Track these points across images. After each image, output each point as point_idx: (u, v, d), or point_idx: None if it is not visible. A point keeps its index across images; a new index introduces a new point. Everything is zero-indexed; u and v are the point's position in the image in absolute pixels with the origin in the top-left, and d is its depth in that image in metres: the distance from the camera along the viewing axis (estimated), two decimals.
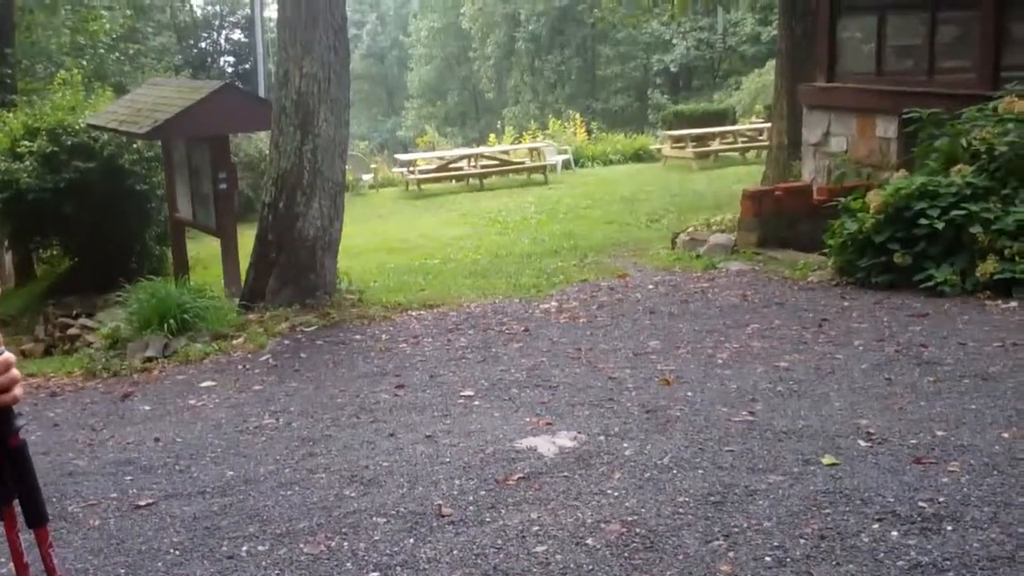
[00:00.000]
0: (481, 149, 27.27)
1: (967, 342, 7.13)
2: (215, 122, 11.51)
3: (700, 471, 4.95)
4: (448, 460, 5.42)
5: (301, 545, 4.41)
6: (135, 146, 14.49)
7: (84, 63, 22.17)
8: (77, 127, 14.16)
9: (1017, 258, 8.34)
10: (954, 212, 8.71)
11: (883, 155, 11.80)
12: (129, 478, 5.60)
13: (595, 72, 47.50)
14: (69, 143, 13.95)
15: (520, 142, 29.05)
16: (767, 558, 3.95)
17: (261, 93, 22.56)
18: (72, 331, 10.53)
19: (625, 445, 5.42)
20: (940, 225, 8.69)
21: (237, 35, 40.48)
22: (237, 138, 19.19)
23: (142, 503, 5.14)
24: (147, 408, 7.25)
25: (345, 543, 4.40)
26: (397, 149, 32.41)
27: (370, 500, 4.90)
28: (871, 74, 12.46)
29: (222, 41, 41.68)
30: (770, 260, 11.00)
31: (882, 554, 3.92)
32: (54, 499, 5.20)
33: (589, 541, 4.20)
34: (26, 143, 13.99)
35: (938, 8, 11.63)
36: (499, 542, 4.27)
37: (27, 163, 13.73)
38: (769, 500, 4.51)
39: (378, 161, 28.05)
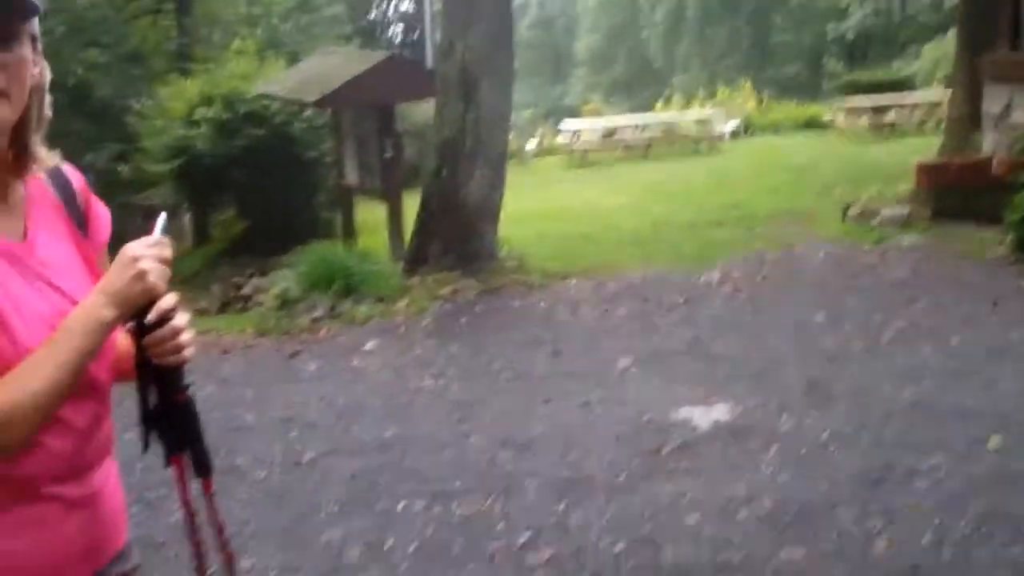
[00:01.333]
0: (647, 117, 27.01)
1: None
2: (381, 91, 11.69)
3: (859, 449, 4.84)
4: (602, 428, 5.43)
5: (455, 505, 4.50)
6: (305, 114, 14.85)
7: (258, 33, 22.82)
8: (250, 95, 14.60)
9: None
10: None
11: None
12: (294, 434, 5.80)
13: (767, 40, 46.46)
14: (242, 111, 14.40)
15: (688, 110, 28.67)
16: (925, 538, 3.84)
17: (428, 63, 22.86)
18: (245, 291, 10.94)
19: (783, 420, 5.34)
20: None
21: (406, 5, 41.06)
22: (404, 106, 19.52)
23: (305, 459, 5.32)
24: (313, 367, 7.48)
25: (498, 505, 4.46)
26: (563, 117, 32.41)
27: (523, 464, 4.96)
28: None
29: (391, 11, 42.36)
30: (944, 235, 10.59)
31: None
32: (222, 453, 5.42)
33: (741, 514, 4.17)
34: (201, 110, 14.50)
35: None
36: (650, 511, 4.27)
37: (202, 129, 14.23)
38: (930, 481, 4.38)
39: (543, 129, 28.11)
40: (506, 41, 10.34)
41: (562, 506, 4.39)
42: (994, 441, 4.82)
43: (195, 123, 14.51)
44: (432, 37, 25.20)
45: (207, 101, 14.80)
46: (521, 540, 4.06)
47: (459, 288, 9.42)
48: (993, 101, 12.68)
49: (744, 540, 3.93)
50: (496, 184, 10.41)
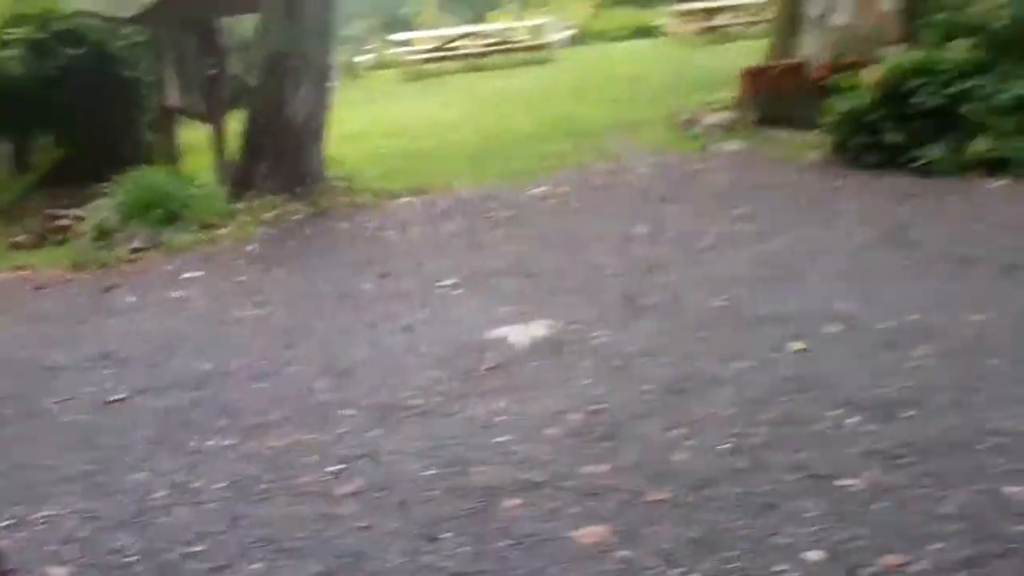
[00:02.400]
0: (481, 27, 26.79)
1: (952, 223, 7.08)
2: (203, 6, 11.29)
3: (669, 359, 4.95)
4: (423, 351, 5.43)
5: (268, 438, 4.45)
6: (125, 32, 14.24)
7: None
8: (65, 13, 13.90)
9: (1010, 135, 8.21)
10: (950, 89, 8.54)
11: (885, 30, 11.52)
12: (106, 371, 5.64)
13: None
14: (57, 29, 13.72)
15: (522, 19, 28.51)
16: (724, 446, 3.96)
17: None
18: (63, 222, 10.53)
19: (598, 333, 5.42)
20: (935, 102, 8.55)
21: None
22: (230, 22, 18.87)
23: (116, 398, 5.18)
24: (131, 300, 7.28)
25: (312, 436, 4.43)
26: (399, 28, 31.87)
27: (341, 392, 4.93)
28: None
29: None
30: (766, 140, 10.85)
31: (839, 441, 3.93)
32: (29, 396, 5.25)
33: (551, 430, 4.23)
34: (13, 30, 13.75)
35: None
36: (463, 433, 4.30)
37: (14, 51, 13.51)
38: (733, 387, 4.52)
39: (377, 42, 27.61)
40: None
41: (377, 432, 4.39)
42: (797, 345, 5.00)
43: (5, 43, 13.75)
44: None
45: (18, 20, 14.03)
46: (332, 470, 4.04)
47: (286, 211, 9.26)
48: (813, 4, 12.94)
49: (552, 457, 3.99)
50: (323, 101, 10.21)
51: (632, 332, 5.40)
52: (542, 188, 9.70)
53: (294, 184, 9.82)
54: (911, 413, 4.13)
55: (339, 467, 4.10)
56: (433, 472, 3.97)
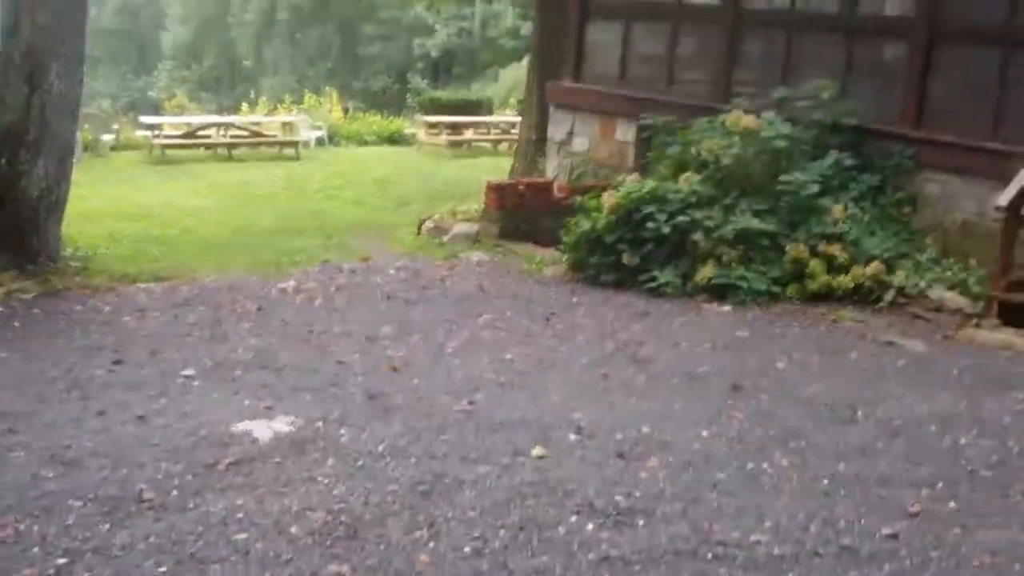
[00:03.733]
0: (232, 118, 26.50)
1: (681, 342, 7.51)
2: None
3: (413, 459, 5.00)
4: (158, 442, 5.26)
5: None
6: None
7: None
8: None
9: (734, 264, 8.84)
10: (680, 217, 9.12)
11: (622, 157, 12.24)
12: None
13: (357, 50, 47.03)
14: None
15: (274, 114, 28.45)
16: (466, 548, 4.03)
17: None
18: None
19: (343, 431, 5.42)
20: (666, 229, 9.10)
21: None
22: None
23: None
24: None
25: (36, 527, 4.20)
26: (147, 111, 31.09)
27: (68, 482, 4.69)
28: (615, 78, 12.88)
29: None
30: (509, 252, 11.21)
31: (576, 546, 4.08)
32: None
33: (292, 529, 4.18)
34: None
35: (680, 22, 12.17)
36: (200, 528, 4.18)
37: None
38: (476, 490, 4.61)
39: (122, 122, 26.85)
40: (78, 24, 9.75)
41: (107, 526, 4.20)
42: (537, 450, 5.15)
43: None
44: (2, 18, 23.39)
45: None
46: (57, 564, 3.84)
47: (14, 289, 8.77)
48: (557, 127, 13.62)
49: (294, 556, 3.95)
50: (62, 176, 9.79)
51: (377, 431, 5.42)
52: (289, 283, 9.63)
53: (26, 261, 9.33)
54: (642, 521, 4.33)
55: (64, 561, 3.90)
56: (166, 569, 3.84)
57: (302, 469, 4.86)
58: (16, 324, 7.95)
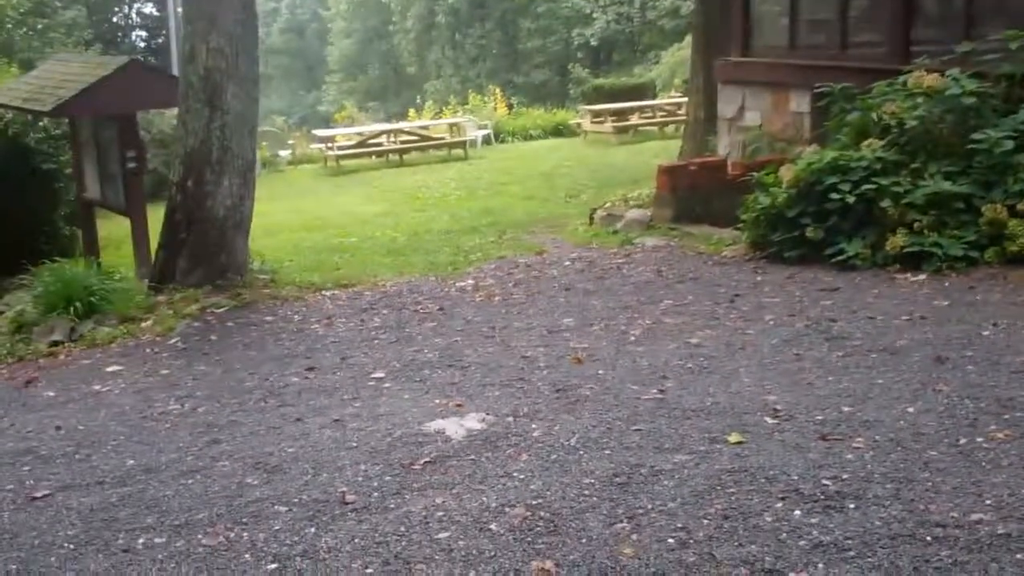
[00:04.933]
0: (400, 124, 27.02)
1: (876, 316, 7.20)
2: (121, 99, 11.18)
3: (607, 451, 4.92)
4: (355, 445, 5.32)
5: (199, 536, 4.30)
6: (41, 124, 14.09)
7: None
8: None
9: (926, 231, 8.43)
10: (865, 186, 8.76)
11: (797, 129, 11.88)
12: (27, 468, 5.42)
13: (516, 46, 47.26)
14: None
15: (441, 117, 28.85)
16: (670, 540, 3.93)
17: (174, 69, 22.09)
18: None
19: (534, 426, 5.37)
20: (851, 199, 8.75)
21: (149, 8, 39.60)
22: (149, 114, 18.77)
23: (38, 494, 4.98)
24: (51, 394, 7.04)
25: (245, 533, 4.29)
26: (318, 124, 31.95)
27: (272, 488, 4.79)
28: (784, 48, 12.51)
29: (134, 15, 40.75)
30: (685, 235, 11.02)
31: (784, 534, 3.92)
32: None
33: (493, 526, 4.15)
34: None
35: None
36: (402, 529, 4.19)
37: None
38: (674, 480, 4.49)
39: (296, 137, 27.68)
40: (250, 45, 10.06)
41: (312, 530, 4.26)
42: (734, 437, 5.00)
43: None
44: (178, 41, 24.36)
45: None
46: (268, 570, 3.91)
47: (208, 304, 9.10)
48: (727, 104, 13.33)
49: (496, 553, 3.91)
50: (245, 194, 10.11)
51: (567, 424, 5.36)
52: (468, 281, 9.70)
53: (216, 277, 9.68)
54: (853, 505, 4.14)
55: (274, 566, 3.97)
56: (373, 570, 3.86)
57: (497, 465, 4.84)
58: (212, 337, 8.23)
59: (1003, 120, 8.95)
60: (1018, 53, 9.42)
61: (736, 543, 3.87)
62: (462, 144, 24.03)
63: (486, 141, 25.56)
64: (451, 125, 25.60)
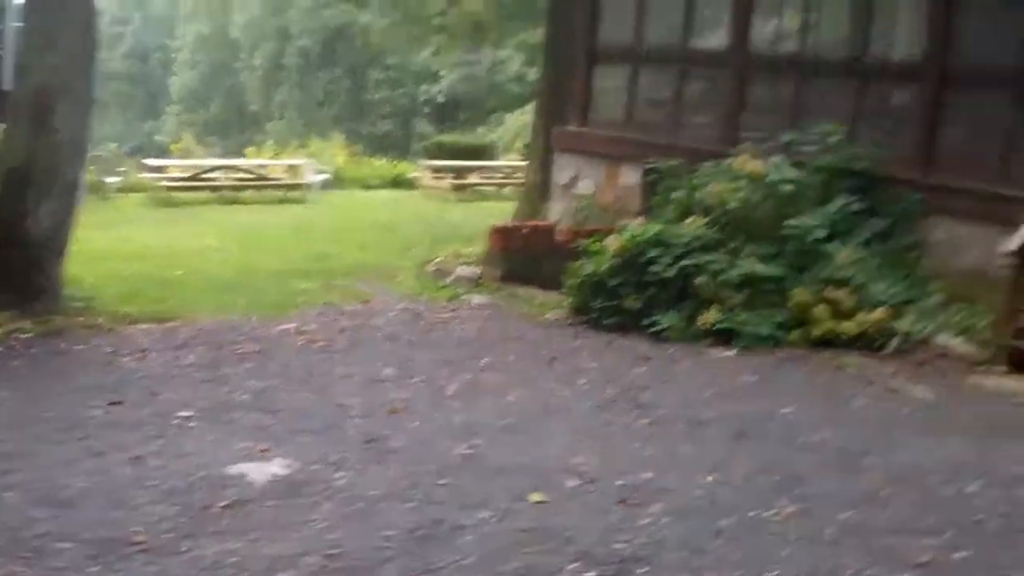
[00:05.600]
0: (238, 161, 26.61)
1: (685, 387, 7.43)
2: None
3: (411, 504, 4.92)
4: (154, 483, 5.18)
5: None
6: None
7: None
8: None
9: (738, 309, 8.77)
10: (684, 261, 9.07)
11: (627, 202, 12.21)
12: None
13: (363, 95, 47.31)
14: None
15: (280, 158, 28.56)
16: None
17: (4, 85, 21.32)
18: None
19: (340, 475, 5.33)
20: (670, 273, 9.04)
21: None
22: None
23: None
24: None
25: (25, 569, 4.11)
26: (153, 153, 31.24)
27: (61, 523, 4.61)
28: (621, 123, 12.90)
29: None
30: (512, 295, 11.16)
31: None
32: None
33: (285, 575, 4.09)
34: None
35: (687, 66, 12.20)
36: (191, 573, 4.10)
37: None
38: (475, 536, 4.52)
39: (129, 164, 26.94)
40: (88, 66, 9.78)
41: (96, 569, 4.12)
42: (536, 497, 5.07)
43: None
44: (15, 56, 23.54)
45: None
46: None
47: (13, 329, 8.73)
48: (562, 171, 13.62)
49: None
50: (66, 218, 9.77)
51: (374, 475, 5.34)
52: (291, 324, 9.58)
53: (28, 300, 9.29)
54: (644, 570, 4.24)
55: None
56: None
57: (297, 513, 4.77)
58: (15, 363, 7.89)
59: (817, 210, 9.44)
60: (836, 146, 9.96)
61: None
62: (300, 187, 23.80)
63: (325, 186, 25.38)
64: (290, 166, 25.34)
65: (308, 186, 24.18)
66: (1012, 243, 8.22)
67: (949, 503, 5.37)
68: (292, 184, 24.10)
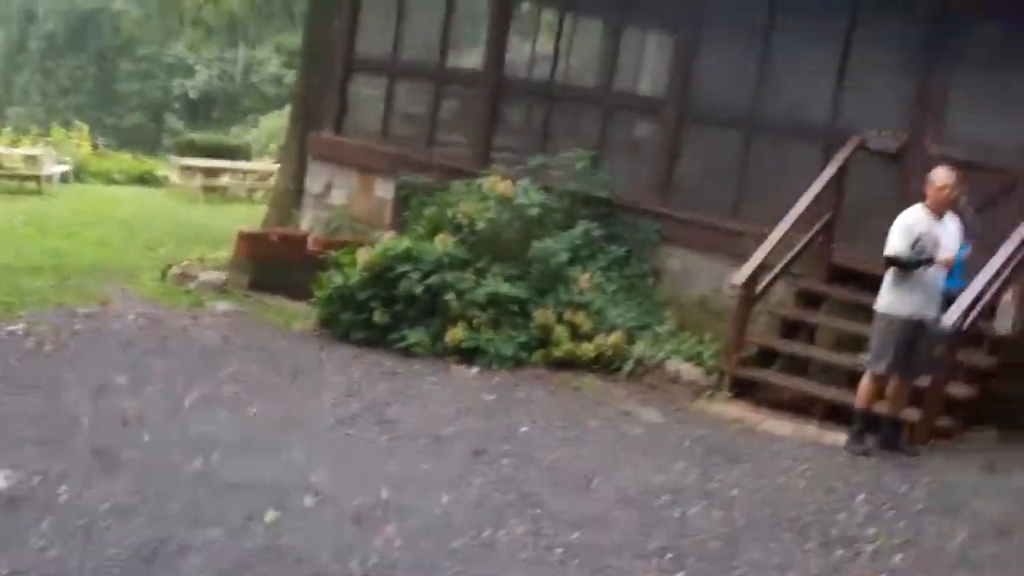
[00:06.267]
0: None
1: (428, 404, 7.51)
2: None
3: (138, 521, 4.76)
4: None
5: None
6: None
7: None
8: None
9: (483, 328, 8.93)
10: (433, 278, 9.15)
11: (379, 215, 12.21)
12: None
13: (112, 86, 45.31)
14: None
15: (18, 146, 27.01)
16: None
17: None
18: None
19: (63, 488, 5.09)
20: (419, 289, 9.10)
21: None
22: None
23: None
24: None
25: None
26: None
27: None
28: (376, 135, 12.88)
29: None
30: (259, 304, 10.94)
31: None
32: None
33: None
34: None
35: (443, 84, 12.34)
36: None
37: None
38: (203, 556, 4.42)
39: None
40: None
41: None
42: (270, 515, 5.00)
43: None
44: None
45: None
46: None
47: None
48: (315, 179, 13.49)
49: None
50: None
51: (101, 490, 5.13)
52: (18, 326, 9.06)
53: None
54: None
55: None
56: None
57: (14, 530, 4.52)
58: None
59: (561, 234, 9.74)
60: (581, 173, 10.31)
61: None
62: (37, 178, 22.60)
63: (64, 179, 24.19)
64: (27, 156, 24.01)
65: (47, 178, 23.01)
66: (739, 276, 8.72)
67: (672, 524, 5.65)
68: (29, 175, 22.87)
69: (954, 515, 6.34)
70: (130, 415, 6.57)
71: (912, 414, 7.93)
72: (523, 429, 7.15)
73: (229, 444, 6.14)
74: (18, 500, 4.89)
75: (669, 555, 5.15)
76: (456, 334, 8.88)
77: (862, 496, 6.50)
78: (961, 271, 7.82)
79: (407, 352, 8.93)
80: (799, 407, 8.60)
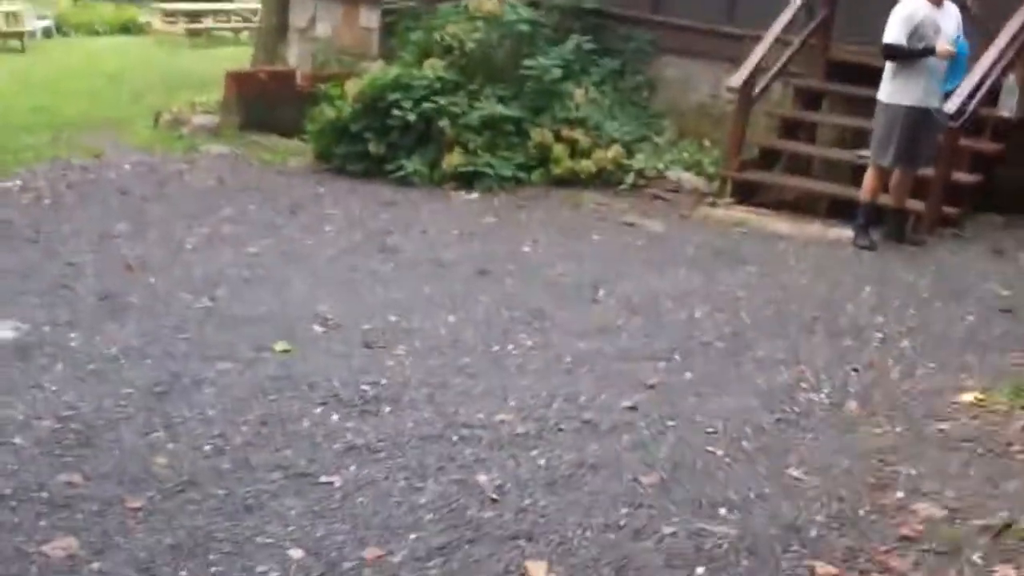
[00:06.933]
0: None
1: (429, 230, 7.49)
2: None
3: (149, 361, 4.79)
4: None
5: None
6: None
7: None
8: None
9: (480, 151, 8.84)
10: (425, 105, 9.01)
11: (366, 45, 11.95)
12: None
13: None
14: None
15: None
16: (206, 447, 3.92)
17: None
18: None
19: (73, 335, 5.12)
20: (412, 117, 8.98)
21: None
22: None
23: None
24: None
25: None
26: None
27: None
28: None
29: None
30: (252, 144, 10.82)
31: (320, 438, 4.03)
32: None
33: (17, 439, 3.93)
34: None
35: None
36: None
37: None
38: (216, 388, 4.46)
39: None
40: None
41: None
42: (280, 345, 5.03)
43: None
44: None
45: None
46: None
47: None
48: (299, 14, 13.18)
49: (20, 467, 3.72)
50: None
51: (110, 334, 5.15)
52: (15, 182, 8.99)
53: None
54: (388, 409, 4.32)
55: None
56: None
57: (27, 376, 4.56)
58: None
59: (553, 49, 9.53)
60: None
61: (272, 448, 3.93)
62: (19, 35, 22.14)
63: (47, 34, 23.70)
64: (7, 13, 23.48)
65: (29, 34, 22.57)
66: (736, 79, 8.56)
67: (678, 328, 5.69)
68: (10, 32, 22.41)
69: (961, 299, 6.38)
70: (133, 261, 6.57)
71: (917, 204, 7.90)
72: (526, 248, 7.15)
73: (234, 282, 6.15)
74: (30, 347, 4.91)
75: (676, 357, 5.20)
76: (453, 159, 8.80)
77: (869, 288, 6.54)
78: (962, 69, 7.66)
79: (405, 181, 8.87)
80: (802, 206, 8.59)
